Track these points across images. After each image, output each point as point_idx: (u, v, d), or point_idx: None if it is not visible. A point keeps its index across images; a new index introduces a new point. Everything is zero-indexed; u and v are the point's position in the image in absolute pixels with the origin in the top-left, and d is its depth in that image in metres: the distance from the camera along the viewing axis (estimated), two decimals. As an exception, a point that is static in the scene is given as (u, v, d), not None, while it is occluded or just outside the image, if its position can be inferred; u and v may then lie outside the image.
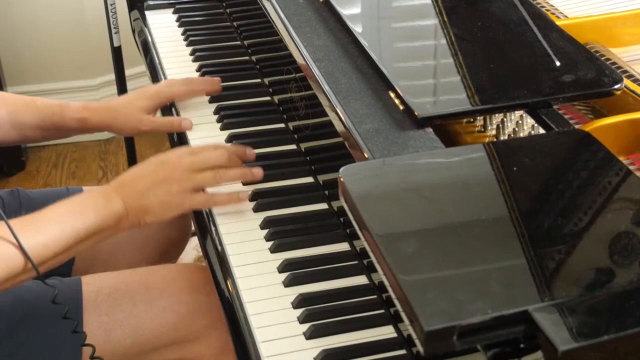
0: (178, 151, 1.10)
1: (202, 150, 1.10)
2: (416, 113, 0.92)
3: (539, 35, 1.06)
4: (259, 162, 1.20)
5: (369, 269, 1.02)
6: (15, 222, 0.95)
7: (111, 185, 1.05)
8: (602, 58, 1.08)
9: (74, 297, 1.10)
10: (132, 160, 2.14)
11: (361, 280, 1.01)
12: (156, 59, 1.49)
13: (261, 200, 1.13)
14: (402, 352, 0.93)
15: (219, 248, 1.07)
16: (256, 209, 1.12)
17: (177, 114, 1.32)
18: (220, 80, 1.36)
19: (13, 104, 1.23)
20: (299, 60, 1.09)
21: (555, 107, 0.96)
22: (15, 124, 1.23)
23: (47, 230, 0.95)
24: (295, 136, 1.26)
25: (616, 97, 0.97)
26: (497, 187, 0.79)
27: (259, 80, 1.41)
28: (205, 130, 1.29)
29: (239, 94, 1.37)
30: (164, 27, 1.59)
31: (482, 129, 1.02)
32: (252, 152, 1.17)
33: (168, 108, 1.35)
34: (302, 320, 0.95)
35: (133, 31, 1.65)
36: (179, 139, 1.30)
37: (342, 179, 0.78)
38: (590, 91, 0.97)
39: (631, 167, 0.89)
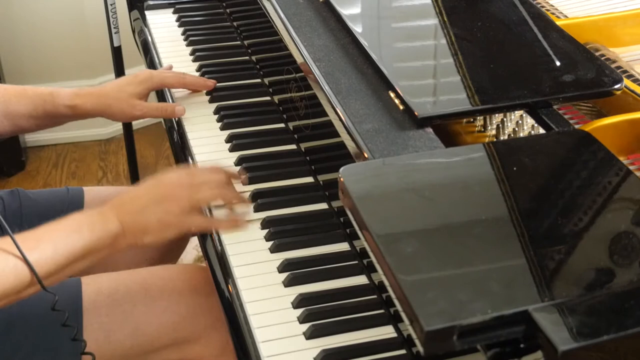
0: (177, 172, 1.10)
1: (201, 172, 1.10)
2: (416, 113, 0.92)
3: (539, 35, 1.06)
4: (259, 162, 1.20)
5: (369, 269, 1.02)
6: (8, 240, 0.94)
7: (109, 204, 1.04)
8: (602, 58, 1.08)
9: (73, 298, 1.10)
10: (132, 160, 2.13)
11: (361, 280, 1.01)
12: (156, 59, 1.49)
13: (261, 200, 1.13)
14: (402, 352, 0.93)
15: (219, 248, 1.07)
16: (256, 209, 1.12)
17: None
18: (216, 82, 1.37)
19: (3, 94, 1.23)
20: (299, 60, 1.09)
21: (555, 107, 0.96)
22: (7, 114, 1.23)
23: (40, 248, 0.94)
24: (295, 136, 1.26)
25: (616, 97, 0.97)
26: (497, 187, 0.79)
27: (259, 80, 1.41)
28: (205, 130, 1.29)
29: (239, 94, 1.37)
30: (164, 27, 1.59)
31: (482, 129, 1.02)
32: (246, 177, 1.17)
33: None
34: (302, 320, 0.95)
35: (133, 31, 1.65)
36: (179, 138, 1.30)
37: (342, 179, 0.78)
38: (590, 91, 0.97)
39: (631, 167, 0.89)
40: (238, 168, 1.19)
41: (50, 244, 0.95)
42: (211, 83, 1.36)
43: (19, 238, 0.94)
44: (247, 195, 1.14)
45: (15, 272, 0.91)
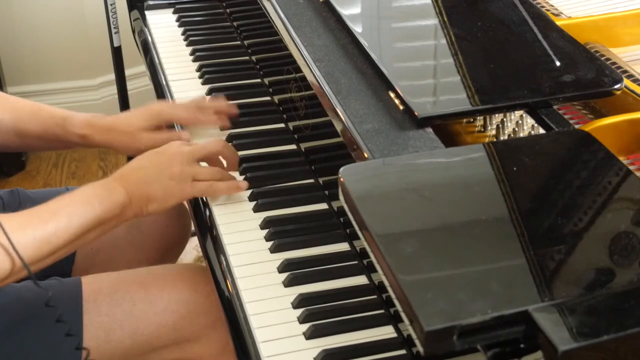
0: (176, 142, 1.13)
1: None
2: (416, 113, 0.92)
3: (539, 35, 1.06)
4: (259, 162, 1.20)
5: (369, 269, 1.02)
6: (23, 213, 0.97)
7: (113, 176, 1.07)
8: (602, 58, 1.08)
9: (73, 297, 1.10)
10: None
11: (361, 280, 1.01)
12: (156, 59, 1.49)
13: (261, 200, 1.13)
14: (402, 352, 0.93)
15: (219, 248, 1.07)
16: (256, 209, 1.12)
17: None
18: (229, 118, 1.30)
19: (18, 110, 1.22)
20: (299, 60, 1.09)
21: (555, 107, 0.96)
22: (17, 131, 1.22)
23: (55, 219, 0.97)
24: (295, 136, 1.26)
25: (616, 97, 0.97)
26: (497, 187, 0.79)
27: (259, 80, 1.41)
28: (206, 130, 1.29)
29: (239, 94, 1.37)
30: (164, 27, 1.59)
31: (482, 129, 1.02)
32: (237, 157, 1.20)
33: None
34: (302, 320, 0.95)
35: (133, 31, 1.65)
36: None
37: (342, 179, 0.78)
38: (590, 91, 0.97)
39: (631, 167, 0.89)
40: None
41: (64, 216, 0.98)
42: (227, 123, 1.30)
43: (32, 212, 0.98)
44: (246, 184, 1.15)
45: (4, 256, 0.92)
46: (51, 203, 0.99)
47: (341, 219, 1.09)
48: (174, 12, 1.63)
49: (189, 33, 1.55)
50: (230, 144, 1.24)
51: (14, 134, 1.23)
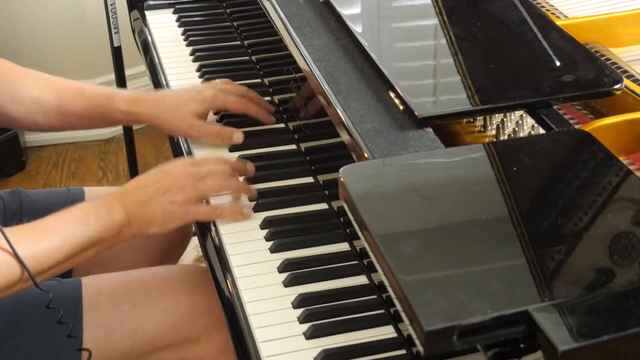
0: (182, 161, 1.10)
1: (206, 162, 1.10)
2: (416, 113, 0.92)
3: (539, 35, 1.06)
4: (259, 162, 1.20)
5: (369, 269, 1.02)
6: (16, 230, 0.95)
7: (114, 194, 1.04)
8: (602, 58, 1.08)
9: (73, 298, 1.10)
10: (132, 160, 2.13)
11: (361, 280, 1.01)
12: (156, 59, 1.49)
13: (261, 200, 1.13)
14: (402, 352, 0.93)
15: (219, 248, 1.07)
16: (256, 209, 1.12)
17: None
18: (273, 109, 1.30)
19: (60, 91, 1.21)
20: (299, 60, 1.09)
21: (555, 107, 0.96)
22: (60, 111, 1.21)
23: (49, 238, 0.95)
24: (295, 136, 1.26)
25: (616, 97, 0.97)
26: (497, 187, 0.79)
27: (259, 80, 1.41)
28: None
29: (239, 94, 1.37)
30: (164, 27, 1.59)
31: (482, 129, 1.02)
32: (252, 167, 1.17)
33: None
34: (302, 320, 0.95)
35: (133, 31, 1.65)
36: (179, 138, 1.29)
37: (342, 179, 0.78)
38: (590, 91, 0.97)
39: (631, 167, 0.89)
40: (242, 161, 1.17)
41: (58, 234, 0.96)
42: (272, 110, 1.29)
43: (26, 228, 0.96)
44: (250, 211, 1.12)
45: (8, 267, 0.92)
46: (47, 220, 0.98)
47: (341, 219, 1.09)
48: (174, 12, 1.63)
49: (189, 33, 1.55)
50: (240, 162, 1.19)
51: (57, 114, 1.21)
